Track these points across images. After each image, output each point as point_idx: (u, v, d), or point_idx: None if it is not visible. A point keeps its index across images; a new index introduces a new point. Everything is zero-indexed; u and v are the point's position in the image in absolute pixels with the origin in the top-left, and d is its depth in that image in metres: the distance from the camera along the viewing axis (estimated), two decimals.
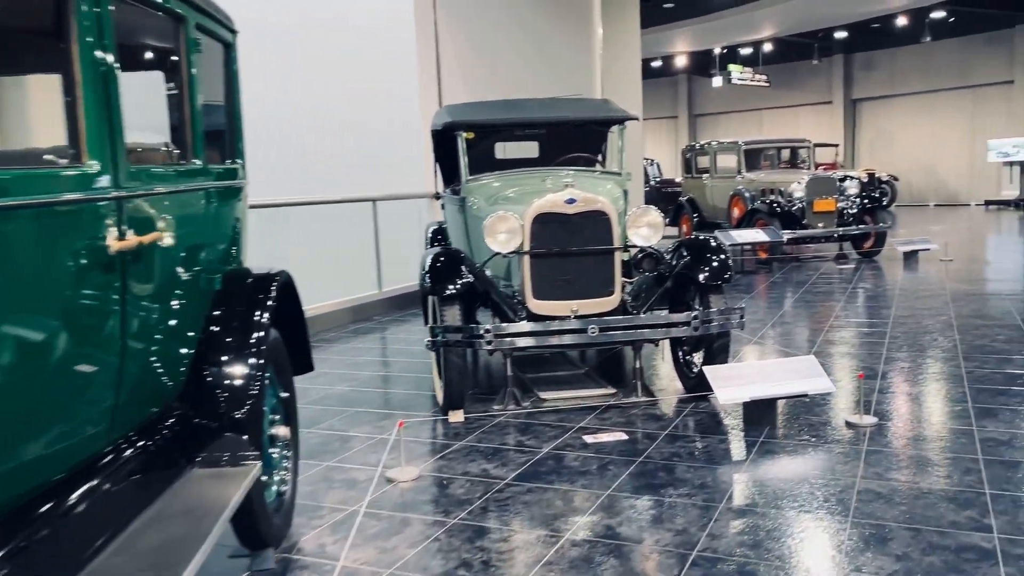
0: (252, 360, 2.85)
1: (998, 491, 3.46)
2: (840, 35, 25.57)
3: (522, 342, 4.70)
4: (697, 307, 5.02)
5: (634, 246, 5.05)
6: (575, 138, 6.72)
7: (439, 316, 4.78)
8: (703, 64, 28.77)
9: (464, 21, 10.11)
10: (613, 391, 5.29)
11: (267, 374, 3.09)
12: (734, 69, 25.94)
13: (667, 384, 5.53)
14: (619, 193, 5.86)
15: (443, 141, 6.59)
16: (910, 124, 28.02)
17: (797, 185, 12.32)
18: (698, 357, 5.19)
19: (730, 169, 13.99)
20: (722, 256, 5.02)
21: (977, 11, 23.43)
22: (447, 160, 6.89)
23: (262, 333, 2.92)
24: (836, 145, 27.66)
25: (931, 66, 26.78)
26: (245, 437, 2.76)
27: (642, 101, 32.81)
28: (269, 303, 2.99)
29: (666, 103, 33.19)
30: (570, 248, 4.90)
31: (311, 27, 9.92)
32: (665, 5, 21.08)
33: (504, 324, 4.73)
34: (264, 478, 2.99)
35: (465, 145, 6.03)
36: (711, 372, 4.55)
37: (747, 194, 13.16)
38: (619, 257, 5.02)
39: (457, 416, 4.81)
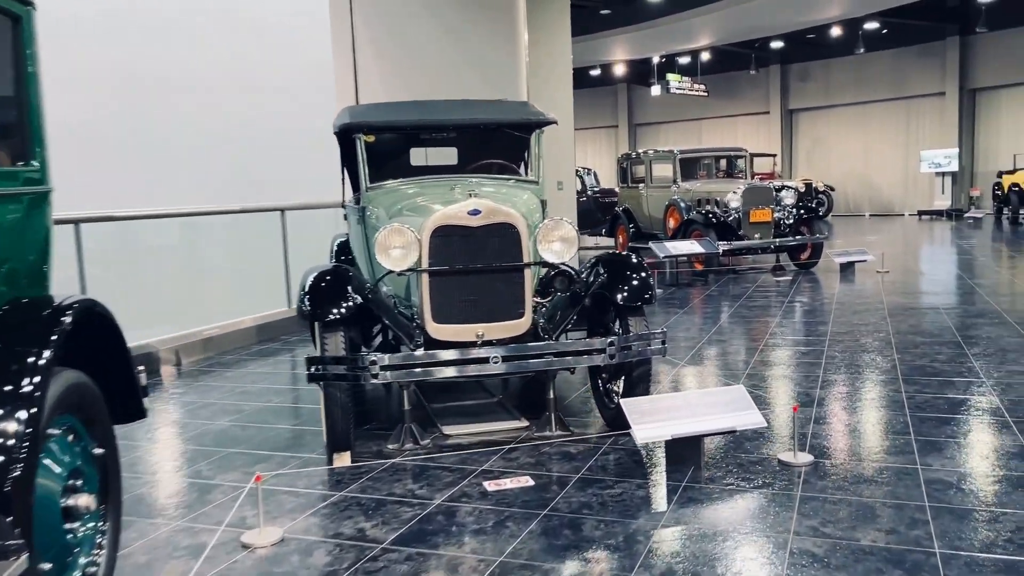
0: (22, 414, 2.21)
1: (949, 550, 2.99)
2: (776, 45, 25.62)
3: (416, 374, 4.11)
4: (618, 330, 4.51)
5: (545, 263, 4.50)
6: (495, 144, 6.16)
7: (321, 344, 4.16)
8: (642, 73, 28.59)
9: (383, 18, 9.52)
10: (526, 424, 4.74)
11: (58, 429, 2.46)
12: (672, 78, 25.78)
13: (587, 415, 5.00)
14: (535, 204, 5.33)
15: (346, 145, 5.98)
16: (845, 134, 28.24)
17: (733, 195, 11.98)
18: (619, 385, 4.67)
19: (666, 179, 13.62)
20: (642, 274, 4.51)
21: (909, 23, 23.65)
22: (353, 166, 6.29)
23: (38, 379, 2.28)
24: (774, 155, 27.76)
25: (865, 77, 27.02)
26: (9, 519, 2.13)
27: (582, 110, 32.60)
28: (53, 340, 2.36)
29: (606, 112, 32.98)
30: (474, 265, 4.34)
31: (215, 23, 9.24)
32: (602, 12, 20.75)
33: (392, 354, 4.14)
34: (47, 566, 2.35)
35: (364, 149, 5.43)
36: (629, 406, 4.02)
37: (683, 204, 12.79)
38: (530, 275, 4.47)
39: (343, 459, 4.20)
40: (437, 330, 4.33)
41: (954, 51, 24.90)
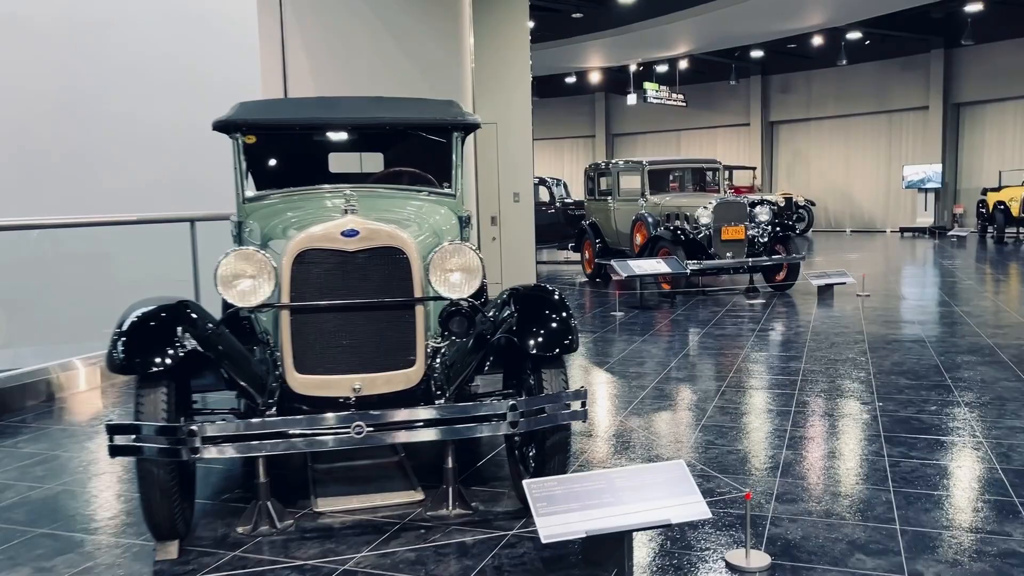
0: None
1: None
2: (756, 54, 24.89)
3: (254, 448, 3.16)
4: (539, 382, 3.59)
5: (440, 298, 3.57)
6: (421, 149, 5.23)
7: (135, 405, 3.19)
8: (620, 82, 27.79)
9: (317, 12, 8.58)
10: (420, 497, 3.81)
11: None
12: (650, 87, 24.99)
13: (500, 483, 4.08)
14: (451, 223, 4.42)
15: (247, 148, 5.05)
16: (827, 148, 27.56)
17: (703, 210, 11.11)
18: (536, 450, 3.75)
19: (635, 191, 12.75)
20: (563, 314, 3.59)
21: (893, 34, 23.00)
22: (260, 171, 5.38)
23: None
24: (754, 168, 27.03)
25: (848, 90, 26.36)
26: None
27: (558, 119, 31.89)
28: None
29: (583, 121, 32.19)
30: (350, 300, 3.41)
31: (129, 17, 8.30)
32: (573, 15, 19.92)
33: (231, 417, 3.21)
34: None
35: (247, 151, 4.50)
36: (534, 490, 3.10)
37: (650, 219, 11.91)
38: (424, 313, 3.54)
39: (166, 551, 3.25)
40: (300, 382, 3.40)
41: (938, 64, 24.27)
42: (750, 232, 11.23)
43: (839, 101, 26.66)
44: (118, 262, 7.86)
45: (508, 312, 3.61)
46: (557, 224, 16.82)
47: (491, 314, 3.68)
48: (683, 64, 25.69)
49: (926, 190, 24.27)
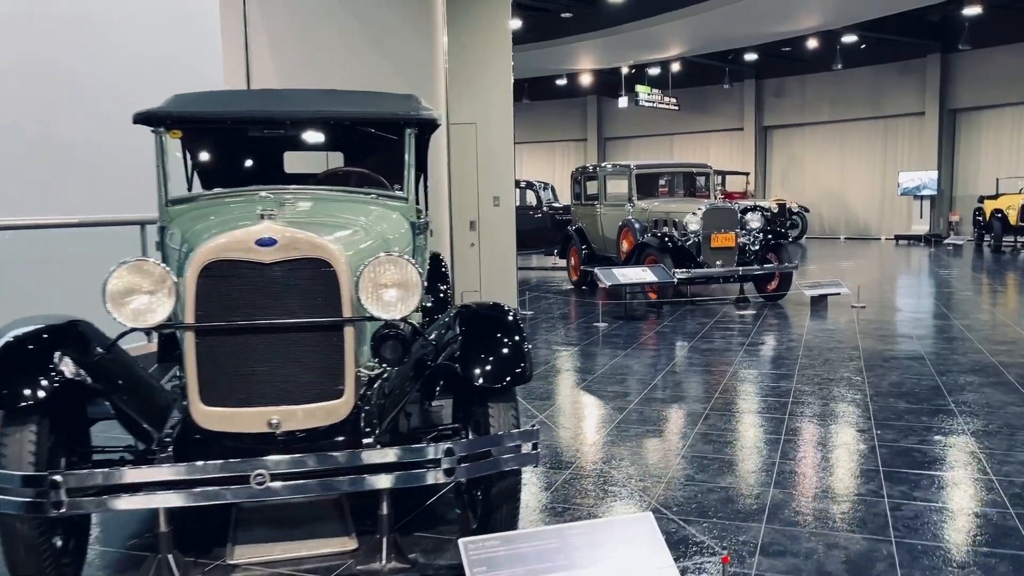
0: None
1: None
2: (750, 57, 24.44)
3: (129, 501, 2.66)
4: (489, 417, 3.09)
5: (374, 318, 3.07)
6: (382, 147, 4.74)
7: None
8: (611, 84, 27.33)
9: (283, 2, 8.09)
10: (353, 546, 3.31)
11: None
12: (642, 90, 24.53)
13: (449, 526, 3.58)
14: (400, 230, 3.95)
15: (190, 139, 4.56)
16: (821, 154, 27.12)
17: (692, 216, 10.64)
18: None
19: (622, 196, 12.26)
20: (515, 338, 3.10)
21: (889, 38, 22.58)
22: (207, 172, 4.91)
23: None
24: (747, 173, 26.59)
25: (843, 95, 25.94)
26: None
27: (550, 122, 31.39)
28: None
29: (575, 125, 31.72)
30: (266, 320, 2.92)
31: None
32: (563, 15, 19.44)
33: (95, 469, 2.70)
34: None
35: (166, 147, 4.00)
36: (473, 551, 2.61)
37: (637, 225, 11.43)
38: (354, 336, 3.05)
39: None
40: (206, 415, 2.91)
41: (935, 69, 23.87)
42: (741, 240, 10.76)
43: (834, 106, 26.24)
44: (63, 268, 7.34)
45: (451, 335, 3.12)
46: (544, 229, 16.33)
47: (433, 336, 3.19)
48: (675, 67, 25.25)
49: (921, 197, 23.85)
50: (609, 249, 12.49)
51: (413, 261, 3.10)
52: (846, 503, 3.79)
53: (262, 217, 2.99)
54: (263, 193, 3.97)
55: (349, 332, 3.02)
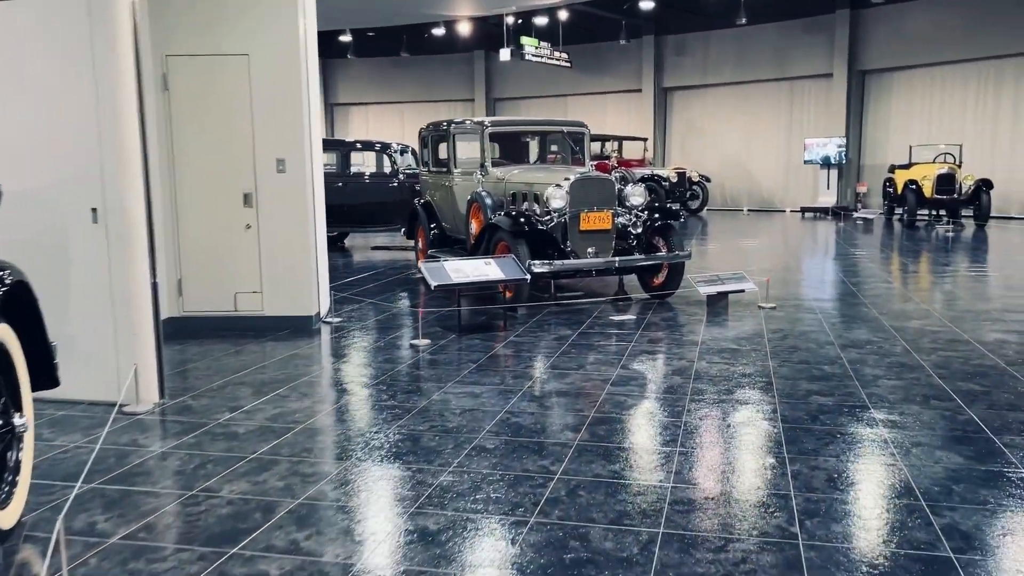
0: None
1: None
2: (647, 6, 21.97)
3: None
4: None
5: None
6: None
7: None
8: (497, 38, 24.51)
9: None
10: None
11: None
12: (528, 43, 21.85)
13: None
14: None
15: None
16: (723, 119, 25.08)
17: (555, 189, 8.07)
18: None
19: (475, 162, 9.62)
20: None
21: None
22: None
23: None
24: (645, 139, 24.34)
25: (747, 54, 23.89)
26: None
27: (432, 79, 28.29)
28: None
29: (461, 83, 28.87)
30: None
31: None
32: None
33: None
34: None
35: None
36: None
37: (489, 200, 8.82)
38: None
39: None
40: None
41: (844, 26, 21.97)
42: (619, 220, 8.29)
43: (737, 66, 24.18)
44: None
45: None
46: (401, 202, 13.51)
47: None
48: (565, 15, 22.59)
49: (829, 166, 22.06)
50: (463, 229, 9.86)
51: None
52: None
53: None
54: None
55: None
